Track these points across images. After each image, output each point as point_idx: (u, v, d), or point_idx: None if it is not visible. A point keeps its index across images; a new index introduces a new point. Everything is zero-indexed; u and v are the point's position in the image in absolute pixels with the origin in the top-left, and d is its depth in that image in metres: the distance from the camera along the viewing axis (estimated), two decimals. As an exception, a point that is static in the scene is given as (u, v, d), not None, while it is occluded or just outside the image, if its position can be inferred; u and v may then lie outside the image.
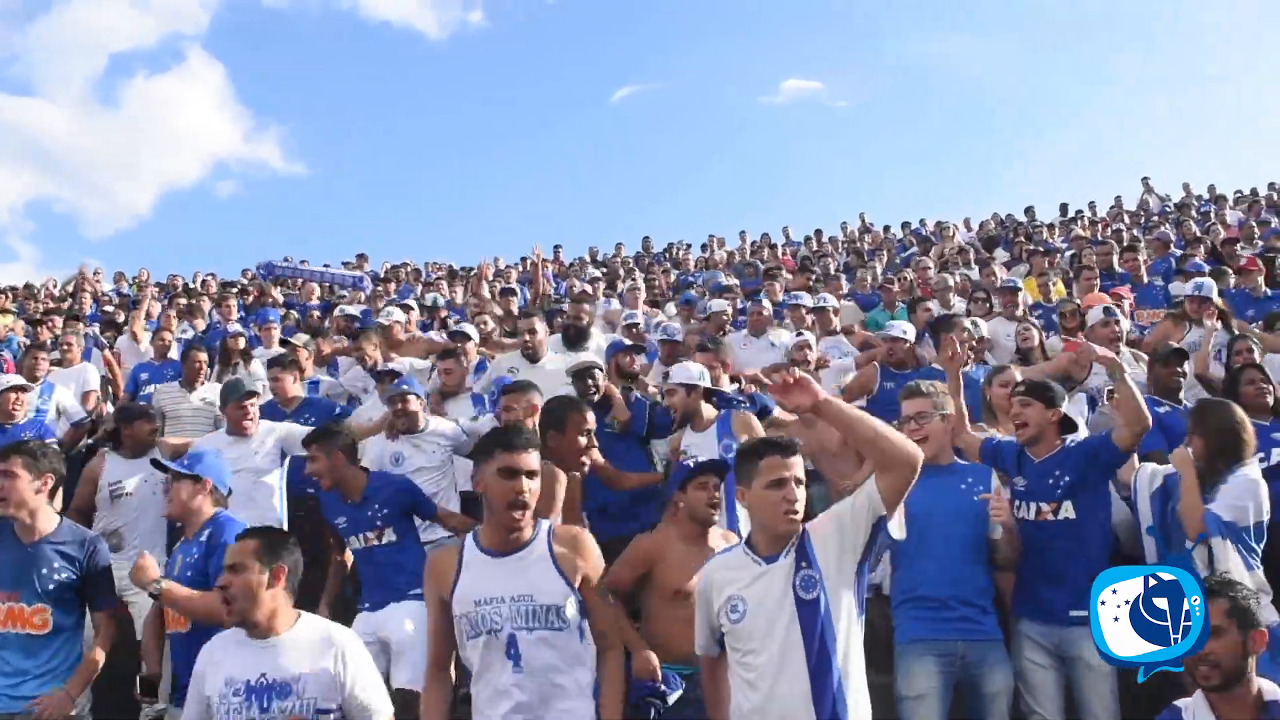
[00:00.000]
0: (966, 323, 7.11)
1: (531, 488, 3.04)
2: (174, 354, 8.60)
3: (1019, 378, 5.26)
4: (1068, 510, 4.22)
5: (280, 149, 67.11)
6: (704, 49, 67.69)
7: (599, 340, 7.85)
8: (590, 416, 4.20)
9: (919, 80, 69.42)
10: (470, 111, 67.84)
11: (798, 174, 69.85)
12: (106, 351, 9.03)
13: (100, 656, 3.99)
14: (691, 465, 4.24)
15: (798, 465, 3.09)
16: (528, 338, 7.01)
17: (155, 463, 4.53)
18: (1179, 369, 5.71)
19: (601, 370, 6.10)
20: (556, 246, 17.76)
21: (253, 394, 5.89)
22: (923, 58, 69.41)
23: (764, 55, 69.12)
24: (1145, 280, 8.88)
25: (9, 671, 3.80)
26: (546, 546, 3.07)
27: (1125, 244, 10.78)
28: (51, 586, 3.88)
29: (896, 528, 3.11)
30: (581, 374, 5.98)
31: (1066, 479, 4.26)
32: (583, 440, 4.11)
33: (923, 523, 3.80)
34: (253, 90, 67.89)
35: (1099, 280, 8.69)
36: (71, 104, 65.42)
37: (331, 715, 3.05)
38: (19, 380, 6.66)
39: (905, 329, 6.96)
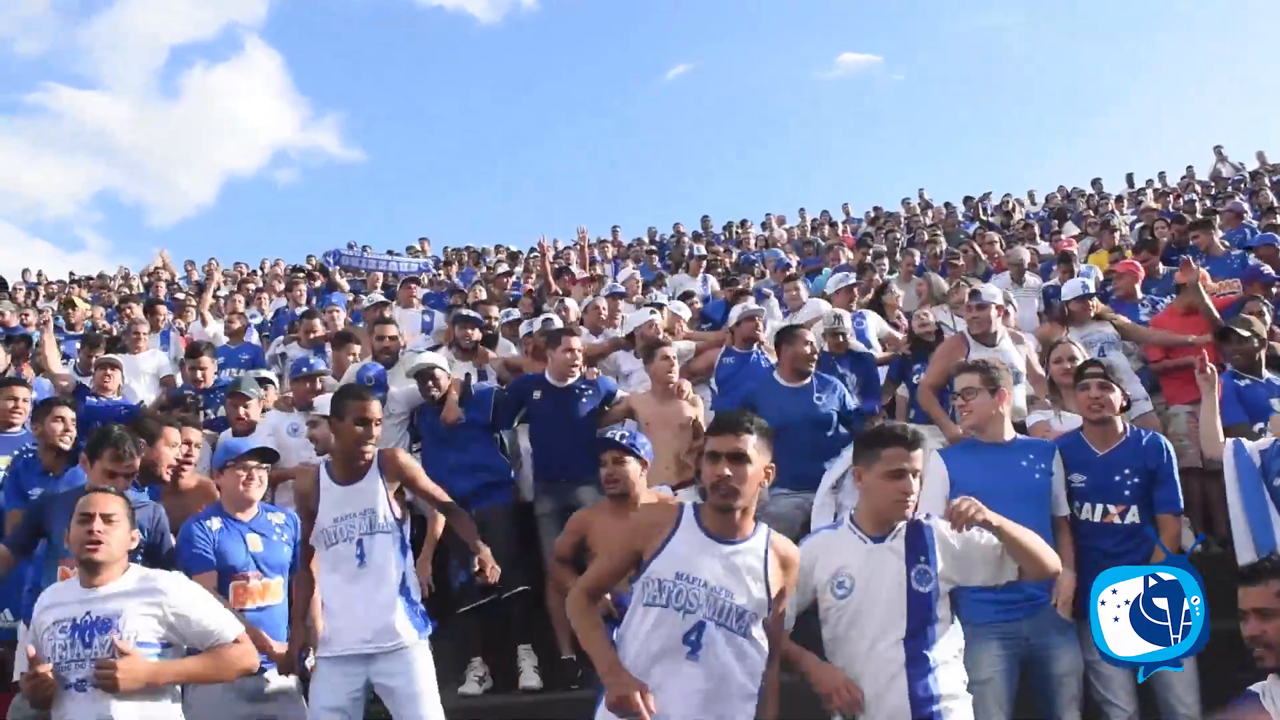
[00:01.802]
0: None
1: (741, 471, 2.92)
2: (252, 338, 8.88)
3: (1077, 354, 5.20)
4: (1134, 515, 4.13)
5: (338, 136, 68.05)
6: (757, 24, 66.98)
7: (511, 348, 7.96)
8: (374, 407, 4.08)
9: (978, 52, 67.98)
10: (524, 93, 68.10)
11: (856, 149, 68.96)
12: (183, 339, 9.30)
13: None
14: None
15: (918, 458, 3.10)
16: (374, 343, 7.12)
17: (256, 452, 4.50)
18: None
19: (442, 370, 6.10)
20: (614, 227, 17.73)
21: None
22: (981, 30, 67.94)
23: (819, 29, 68.22)
24: (1222, 250, 8.61)
25: None
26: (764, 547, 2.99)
27: (1198, 215, 10.50)
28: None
29: None
30: (422, 375, 6.05)
31: (1135, 480, 4.16)
32: (358, 430, 3.99)
33: (982, 502, 3.76)
34: (310, 78, 68.89)
35: (1157, 258, 8.44)
36: (134, 96, 67.01)
37: (155, 649, 3.24)
38: (112, 356, 7.18)
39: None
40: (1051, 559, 3.10)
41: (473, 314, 7.55)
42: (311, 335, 8.08)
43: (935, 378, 5.76)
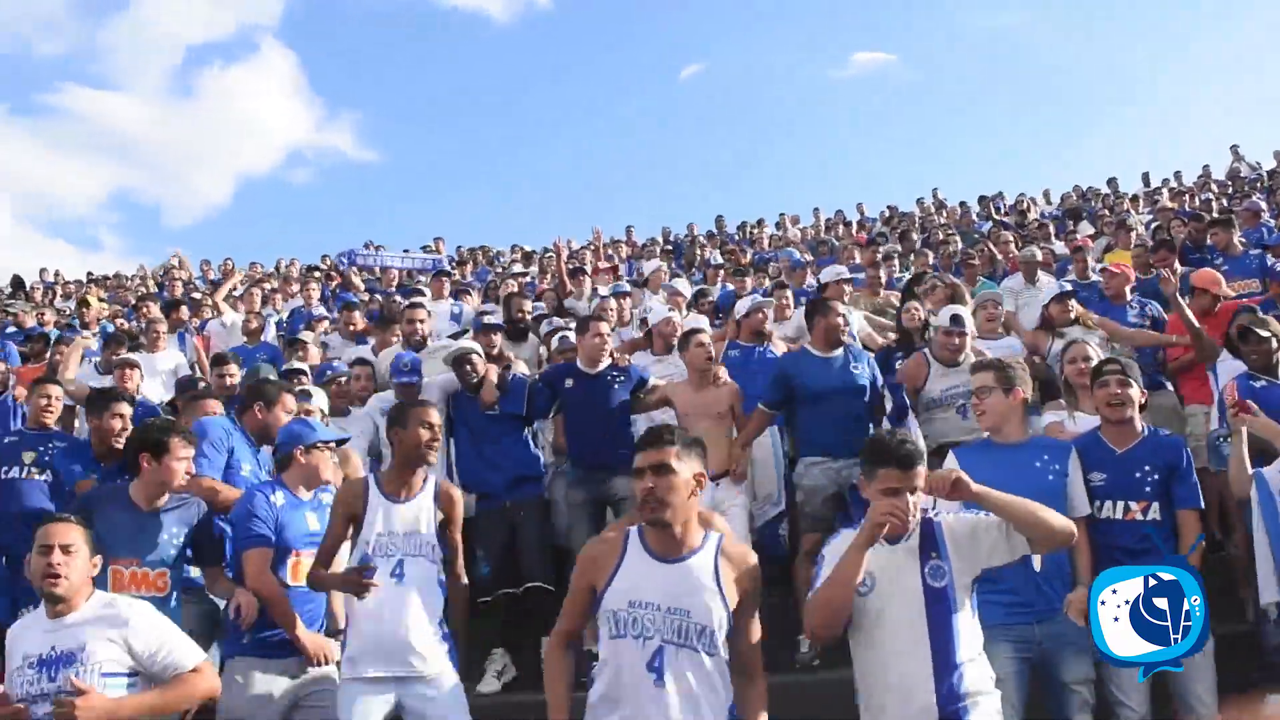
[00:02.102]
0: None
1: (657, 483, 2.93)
2: (269, 337, 8.92)
3: (1092, 353, 5.18)
4: (1156, 511, 4.11)
5: (353, 136, 68.32)
6: (771, 23, 66.97)
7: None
8: (433, 412, 4.14)
9: (992, 50, 67.77)
10: (538, 93, 68.23)
11: (871, 148, 68.80)
12: (197, 337, 9.35)
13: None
14: None
15: (915, 476, 3.09)
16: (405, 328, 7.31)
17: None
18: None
19: (479, 355, 6.12)
20: (628, 227, 17.78)
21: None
22: (996, 28, 67.70)
23: (832, 28, 68.10)
24: (1240, 249, 8.56)
25: None
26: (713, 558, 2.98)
27: (1215, 215, 10.43)
28: (171, 551, 4.15)
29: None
30: (459, 360, 6.07)
31: (1155, 477, 4.14)
32: (424, 433, 4.03)
33: None
34: (325, 78, 69.18)
35: (1175, 258, 8.39)
36: (150, 96, 67.45)
37: (123, 679, 3.27)
38: (132, 356, 7.23)
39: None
40: (1056, 520, 3.10)
41: (496, 322, 7.52)
42: (351, 327, 8.19)
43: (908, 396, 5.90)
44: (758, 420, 5.78)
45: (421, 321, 7.25)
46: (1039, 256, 9.21)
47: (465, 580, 4.31)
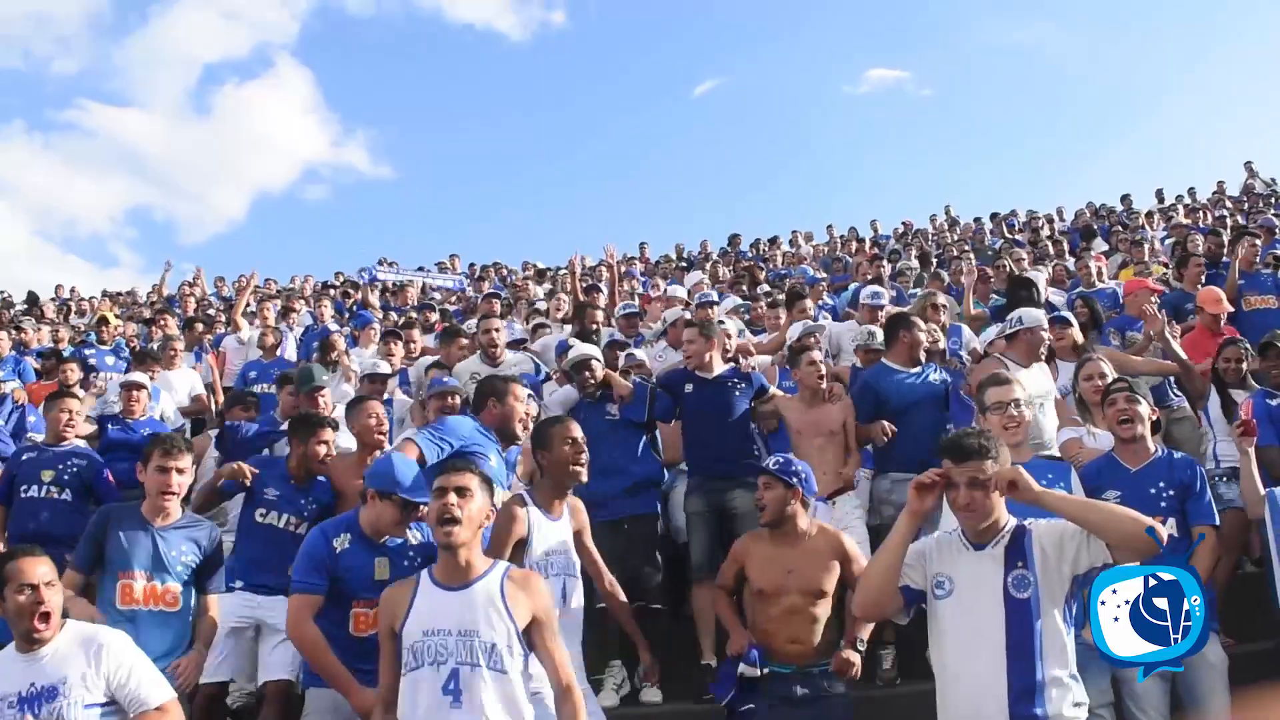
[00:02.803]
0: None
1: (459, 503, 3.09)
2: (288, 353, 8.95)
3: (1106, 370, 5.16)
4: (1172, 527, 4.07)
5: (368, 153, 68.51)
6: (784, 39, 67.04)
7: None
8: (574, 426, 4.11)
9: (1005, 68, 67.62)
10: (553, 110, 68.42)
11: (884, 165, 68.72)
12: (212, 354, 9.39)
13: (208, 638, 4.27)
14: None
15: (971, 468, 3.07)
16: (487, 336, 7.16)
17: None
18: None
19: (599, 360, 6.07)
20: (642, 244, 17.83)
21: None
22: (1009, 45, 67.64)
23: (846, 44, 68.14)
24: (1258, 268, 8.52)
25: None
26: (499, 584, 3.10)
27: (1231, 231, 10.40)
28: (180, 568, 4.17)
29: None
30: (579, 366, 6.00)
31: (1170, 493, 4.14)
32: (568, 449, 4.00)
33: None
34: (340, 95, 69.42)
35: (1204, 269, 8.40)
36: (167, 113, 67.70)
37: (100, 709, 3.24)
38: (140, 378, 7.10)
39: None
40: (1127, 520, 2.93)
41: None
42: (413, 344, 8.16)
43: None
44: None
45: (497, 330, 7.20)
46: (1045, 276, 9.09)
47: (617, 586, 4.30)
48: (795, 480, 4.12)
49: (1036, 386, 5.23)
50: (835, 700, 4.02)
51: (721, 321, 7.24)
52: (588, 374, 5.91)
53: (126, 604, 4.06)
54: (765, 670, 3.96)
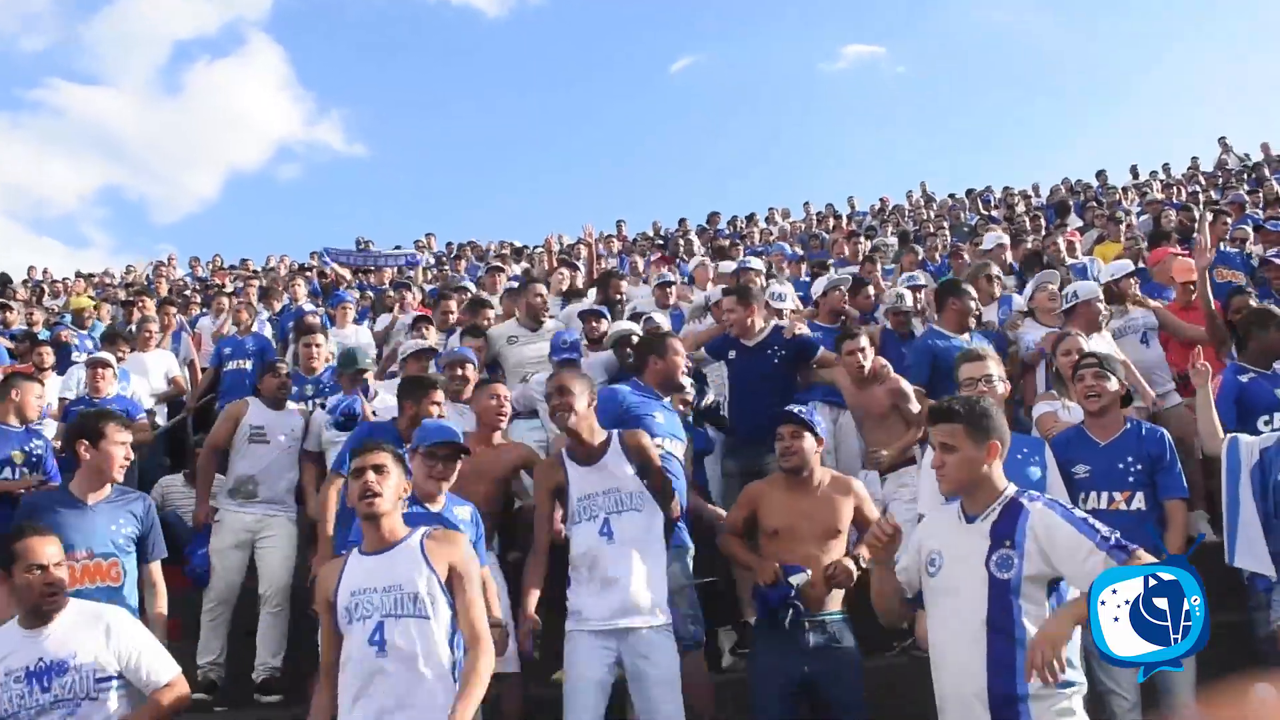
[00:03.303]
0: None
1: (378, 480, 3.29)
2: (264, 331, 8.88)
3: (1083, 344, 5.21)
4: (1140, 501, 4.14)
5: (341, 131, 67.99)
6: (762, 15, 66.85)
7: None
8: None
9: (982, 45, 67.80)
10: (529, 88, 68.00)
11: (862, 141, 68.85)
12: (191, 335, 9.31)
13: (164, 607, 4.36)
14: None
15: (939, 431, 3.07)
16: (531, 300, 7.13)
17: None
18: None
19: (639, 335, 6.15)
20: (619, 221, 17.74)
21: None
22: (986, 23, 67.70)
23: (824, 20, 68.04)
24: (1225, 244, 8.63)
25: None
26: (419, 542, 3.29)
27: (1205, 206, 10.50)
28: (121, 540, 4.21)
29: None
30: (621, 342, 6.14)
31: (1139, 467, 4.17)
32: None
33: None
34: (313, 73, 68.69)
35: (1176, 246, 8.48)
36: (137, 92, 67.00)
37: (113, 683, 3.31)
38: (106, 356, 7.11)
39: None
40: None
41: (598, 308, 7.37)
42: (448, 314, 8.07)
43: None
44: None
45: (541, 296, 7.19)
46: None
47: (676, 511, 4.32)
48: (821, 430, 4.24)
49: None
50: (845, 655, 3.98)
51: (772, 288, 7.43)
52: (627, 351, 6.00)
53: (70, 585, 4.03)
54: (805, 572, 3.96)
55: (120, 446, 4.25)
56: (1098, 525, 2.89)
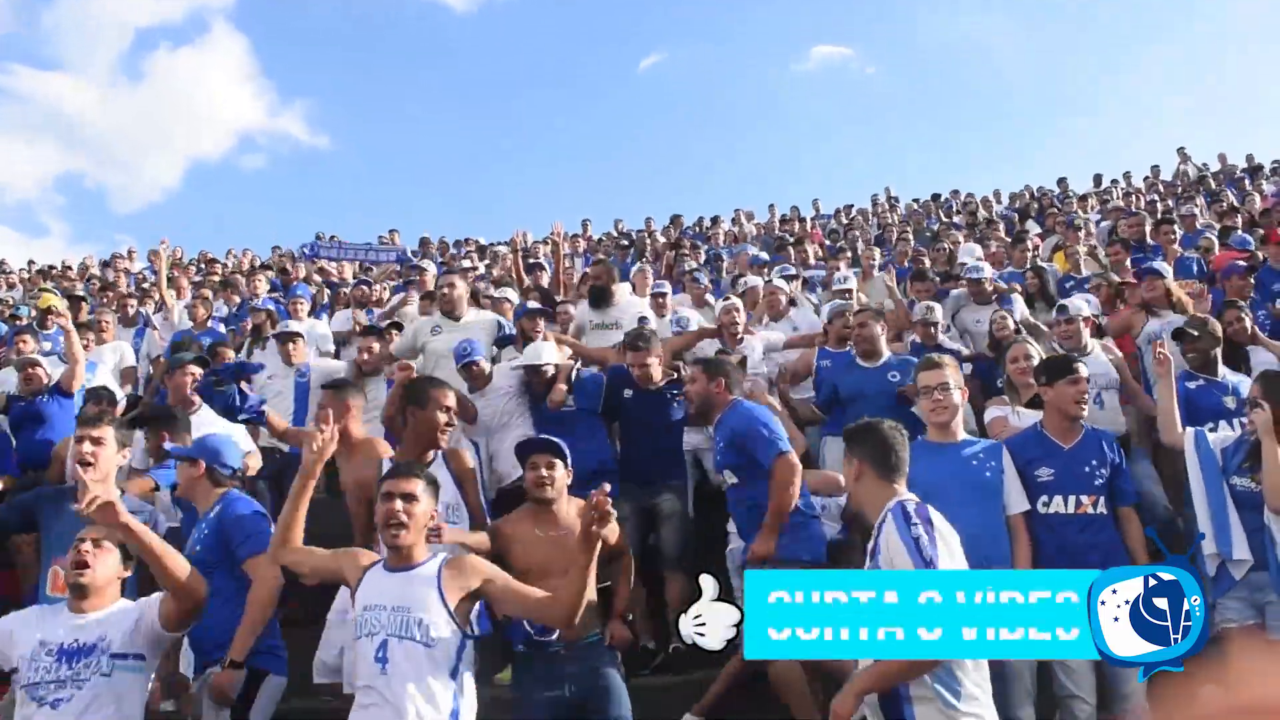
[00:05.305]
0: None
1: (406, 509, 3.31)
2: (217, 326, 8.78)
3: (1032, 352, 5.27)
4: (1102, 505, 4.19)
5: (305, 122, 67.40)
6: (732, 14, 67.07)
7: (625, 298, 7.90)
8: (450, 394, 4.50)
9: (950, 52, 68.47)
10: (496, 83, 67.78)
11: (829, 143, 69.27)
12: (155, 330, 9.20)
13: None
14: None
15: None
16: (445, 291, 6.98)
17: (166, 451, 4.48)
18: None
19: (551, 368, 5.98)
20: (584, 220, 17.73)
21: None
22: (955, 31, 68.42)
23: (794, 20, 68.36)
24: (1179, 253, 8.78)
25: None
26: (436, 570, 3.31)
27: (1159, 216, 10.65)
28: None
29: None
30: (530, 370, 5.98)
31: (1103, 471, 4.22)
32: (441, 417, 4.37)
33: (930, 500, 3.71)
34: (277, 63, 68.16)
35: (1128, 254, 8.62)
36: (99, 79, 66.04)
37: (129, 659, 3.38)
38: (34, 357, 7.00)
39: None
40: None
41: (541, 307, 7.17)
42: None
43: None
44: None
45: (450, 289, 6.96)
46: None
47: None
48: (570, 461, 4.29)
49: (1099, 368, 5.46)
50: (607, 676, 4.05)
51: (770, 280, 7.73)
52: (536, 380, 5.93)
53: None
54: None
55: (75, 443, 4.19)
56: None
